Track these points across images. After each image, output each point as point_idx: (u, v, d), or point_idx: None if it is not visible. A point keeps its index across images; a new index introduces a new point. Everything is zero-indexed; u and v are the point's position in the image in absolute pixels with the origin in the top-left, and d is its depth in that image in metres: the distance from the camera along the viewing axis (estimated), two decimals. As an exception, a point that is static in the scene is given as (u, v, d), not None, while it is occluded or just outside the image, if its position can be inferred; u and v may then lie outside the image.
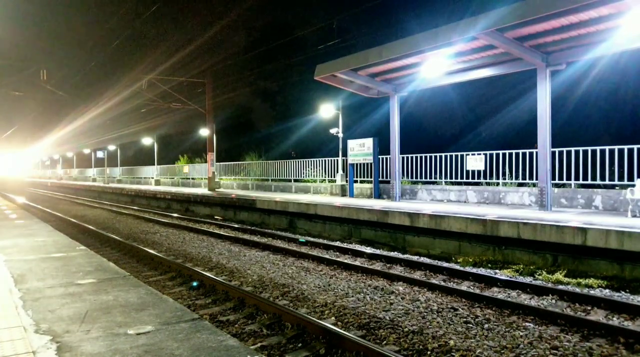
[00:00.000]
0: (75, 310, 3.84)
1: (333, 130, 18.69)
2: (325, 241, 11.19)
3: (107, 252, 10.50)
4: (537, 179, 11.10)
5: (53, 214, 18.81)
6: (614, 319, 5.58)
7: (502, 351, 4.59)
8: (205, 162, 24.97)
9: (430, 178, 14.28)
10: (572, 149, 10.99)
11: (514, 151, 12.27)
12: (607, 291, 6.70)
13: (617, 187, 10.50)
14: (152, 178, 34.67)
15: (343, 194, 16.73)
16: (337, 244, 10.79)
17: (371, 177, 15.63)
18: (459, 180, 13.52)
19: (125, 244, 11.02)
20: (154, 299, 4.17)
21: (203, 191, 23.20)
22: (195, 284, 7.27)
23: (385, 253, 9.62)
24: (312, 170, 19.73)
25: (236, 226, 14.47)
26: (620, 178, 10.34)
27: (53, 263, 5.82)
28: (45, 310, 3.85)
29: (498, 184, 12.70)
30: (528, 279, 7.40)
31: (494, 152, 12.64)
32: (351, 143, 15.81)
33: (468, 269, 8.11)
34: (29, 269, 5.43)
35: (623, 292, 6.59)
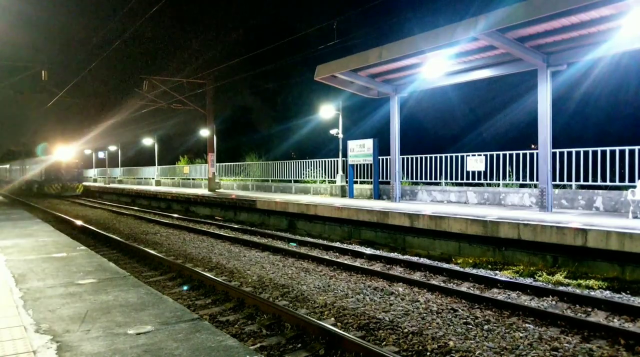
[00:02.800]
0: (76, 310, 3.85)
1: (333, 131, 18.68)
2: (325, 242, 11.18)
3: (107, 252, 10.51)
4: (537, 180, 11.09)
5: (53, 214, 18.82)
6: (615, 320, 5.57)
7: (502, 352, 4.59)
8: (206, 162, 24.98)
9: (431, 179, 14.27)
10: (573, 150, 10.98)
11: (514, 152, 12.25)
12: (607, 292, 6.69)
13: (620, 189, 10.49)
14: (153, 178, 34.69)
15: (343, 195, 16.73)
16: (337, 244, 10.79)
17: (371, 178, 15.62)
18: (459, 181, 13.50)
19: (125, 245, 11.02)
20: (153, 299, 4.17)
21: (203, 191, 23.20)
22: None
23: (385, 254, 9.61)
24: (312, 171, 19.73)
25: (236, 226, 14.47)
26: (621, 179, 10.33)
27: (53, 263, 5.83)
28: (46, 310, 3.86)
29: (498, 185, 12.69)
30: (528, 280, 7.39)
31: (495, 153, 12.62)
32: (351, 144, 15.80)
33: (468, 270, 8.10)
34: (30, 269, 5.44)
35: (624, 294, 6.58)
